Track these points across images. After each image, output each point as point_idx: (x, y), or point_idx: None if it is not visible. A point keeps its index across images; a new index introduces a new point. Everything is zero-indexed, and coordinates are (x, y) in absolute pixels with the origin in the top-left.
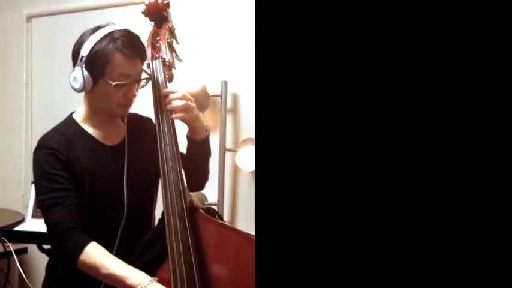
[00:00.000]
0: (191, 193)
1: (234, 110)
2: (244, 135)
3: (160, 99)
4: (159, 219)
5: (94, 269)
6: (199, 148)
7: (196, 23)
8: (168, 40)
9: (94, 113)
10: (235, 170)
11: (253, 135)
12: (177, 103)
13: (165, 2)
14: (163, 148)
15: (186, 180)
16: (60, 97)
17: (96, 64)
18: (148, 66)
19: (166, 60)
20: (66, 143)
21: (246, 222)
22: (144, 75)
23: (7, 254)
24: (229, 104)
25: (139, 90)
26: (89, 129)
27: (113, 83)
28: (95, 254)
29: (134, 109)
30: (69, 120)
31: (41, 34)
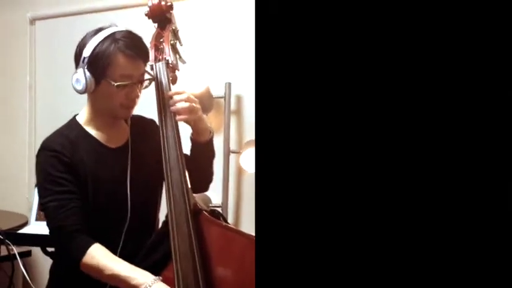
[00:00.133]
0: (195, 195)
1: (238, 112)
2: (248, 136)
3: (164, 101)
4: (163, 222)
5: (97, 270)
6: (203, 150)
7: (200, 25)
8: (172, 42)
9: (97, 115)
10: (239, 171)
11: None
12: (181, 105)
13: (168, 3)
14: (167, 150)
15: (190, 182)
16: (64, 99)
17: (98, 65)
18: (152, 68)
19: (170, 62)
20: (69, 146)
21: (250, 224)
22: (147, 76)
23: (11, 257)
24: (233, 106)
25: (143, 92)
26: (92, 131)
27: (115, 84)
28: (98, 255)
29: (138, 111)
30: (73, 123)
31: (44, 37)
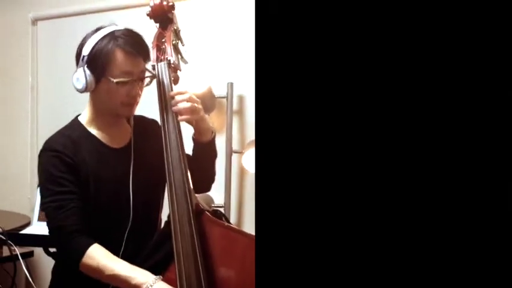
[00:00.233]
0: (197, 195)
1: (240, 112)
2: (251, 136)
3: (166, 101)
4: (165, 222)
5: (97, 271)
6: (205, 150)
7: (202, 25)
8: (173, 42)
9: (99, 114)
10: (242, 171)
11: None
12: (183, 105)
13: (170, 3)
14: (169, 150)
15: (192, 182)
16: (66, 100)
17: (97, 63)
18: (154, 68)
19: (172, 62)
20: (71, 146)
21: (253, 225)
22: (147, 74)
23: (13, 258)
24: (235, 106)
25: (145, 93)
26: (94, 131)
27: (115, 81)
28: (98, 255)
29: (140, 111)
30: (75, 123)
31: (46, 37)
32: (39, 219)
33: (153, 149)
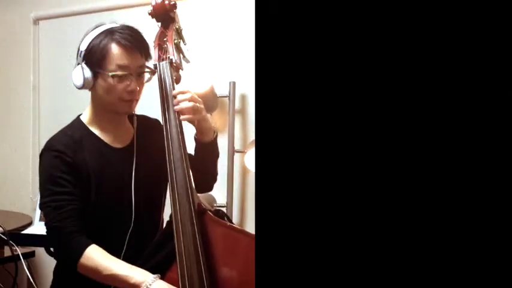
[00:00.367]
0: (199, 195)
1: (243, 111)
2: (253, 136)
3: (168, 100)
4: (167, 222)
5: (95, 271)
6: (207, 150)
7: (204, 24)
8: (175, 41)
9: (99, 112)
10: (244, 171)
11: None
12: (185, 104)
13: (172, 2)
14: (171, 150)
15: (194, 182)
16: (67, 99)
17: (93, 58)
18: (156, 67)
19: (174, 61)
20: (73, 145)
21: None
22: (147, 70)
23: (15, 258)
24: (237, 105)
25: (147, 92)
26: (96, 131)
27: (110, 74)
28: (95, 256)
29: (142, 111)
30: (76, 122)
31: (48, 37)
32: (41, 219)
33: (155, 149)
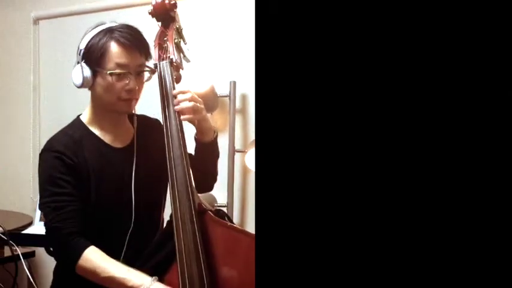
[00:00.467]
0: (200, 195)
1: (243, 111)
2: (254, 136)
3: (168, 100)
4: (167, 221)
5: (93, 273)
6: (207, 150)
7: (204, 23)
8: (176, 40)
9: (99, 112)
10: (245, 171)
11: None
12: (185, 104)
13: (172, 2)
14: (171, 149)
15: (195, 182)
16: (68, 99)
17: (93, 56)
18: (156, 67)
19: (174, 60)
20: (73, 146)
21: None
22: (146, 69)
23: (15, 258)
24: (238, 105)
25: (147, 92)
26: (96, 131)
27: (108, 72)
28: (94, 258)
29: (142, 110)
30: (76, 122)
31: (48, 36)
32: (41, 219)
33: (155, 149)
